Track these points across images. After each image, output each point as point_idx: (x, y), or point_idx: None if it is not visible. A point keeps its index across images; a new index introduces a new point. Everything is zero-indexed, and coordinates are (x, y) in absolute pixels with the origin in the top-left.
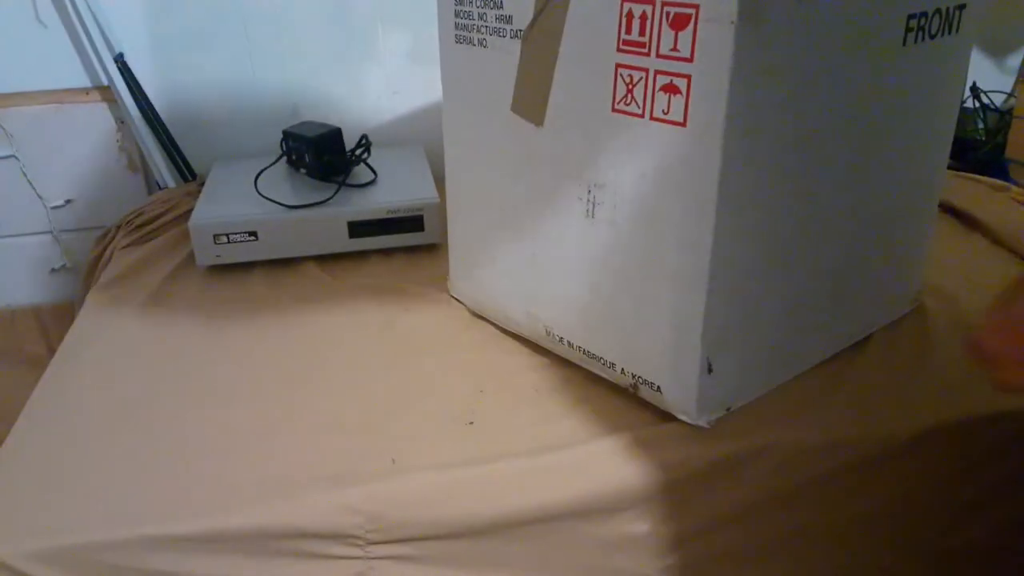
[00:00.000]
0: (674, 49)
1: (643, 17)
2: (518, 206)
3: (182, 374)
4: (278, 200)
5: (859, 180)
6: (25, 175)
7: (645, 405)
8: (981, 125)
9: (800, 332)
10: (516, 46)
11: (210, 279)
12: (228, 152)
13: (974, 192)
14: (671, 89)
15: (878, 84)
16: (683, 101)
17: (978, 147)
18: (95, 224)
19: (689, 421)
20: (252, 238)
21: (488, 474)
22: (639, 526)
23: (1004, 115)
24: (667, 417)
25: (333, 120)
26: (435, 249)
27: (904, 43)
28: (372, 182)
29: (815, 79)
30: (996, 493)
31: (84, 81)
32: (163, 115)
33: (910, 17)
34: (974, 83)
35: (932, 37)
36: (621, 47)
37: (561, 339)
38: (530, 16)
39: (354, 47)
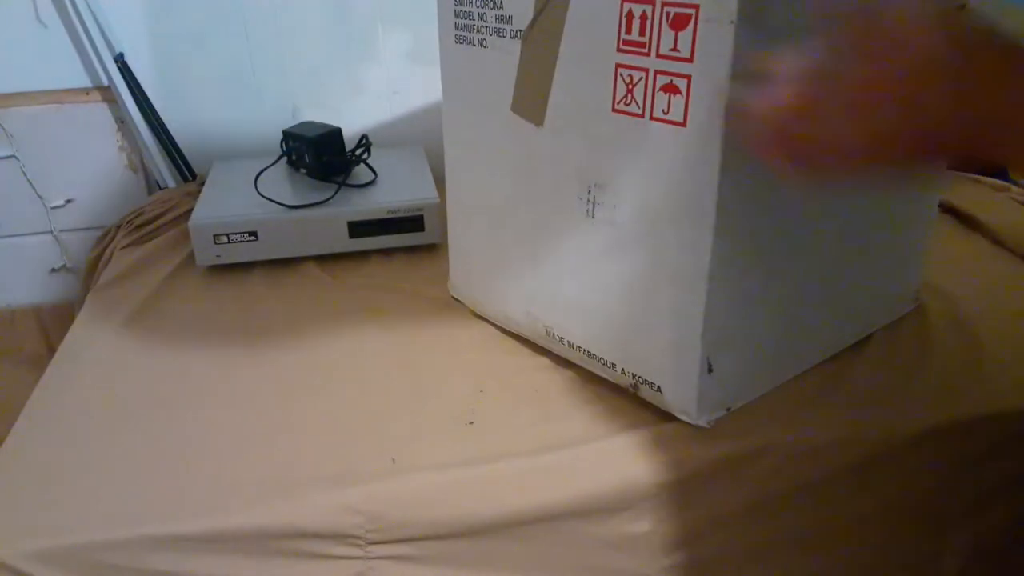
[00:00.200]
0: (674, 49)
1: (643, 17)
2: (518, 206)
3: (182, 374)
4: (278, 200)
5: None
6: (25, 175)
7: (645, 405)
8: None
9: (800, 332)
10: (516, 46)
11: (210, 279)
12: (228, 152)
13: (974, 192)
14: (671, 89)
15: None
16: (683, 101)
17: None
18: (95, 224)
19: (689, 421)
20: (252, 238)
21: (488, 474)
22: (639, 526)
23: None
24: (667, 417)
25: (333, 120)
26: (435, 249)
27: None
28: (372, 182)
29: None
30: (996, 493)
31: (84, 81)
32: (163, 115)
33: None
34: None
35: None
36: (621, 47)
37: (561, 339)
38: (530, 16)
39: (354, 47)
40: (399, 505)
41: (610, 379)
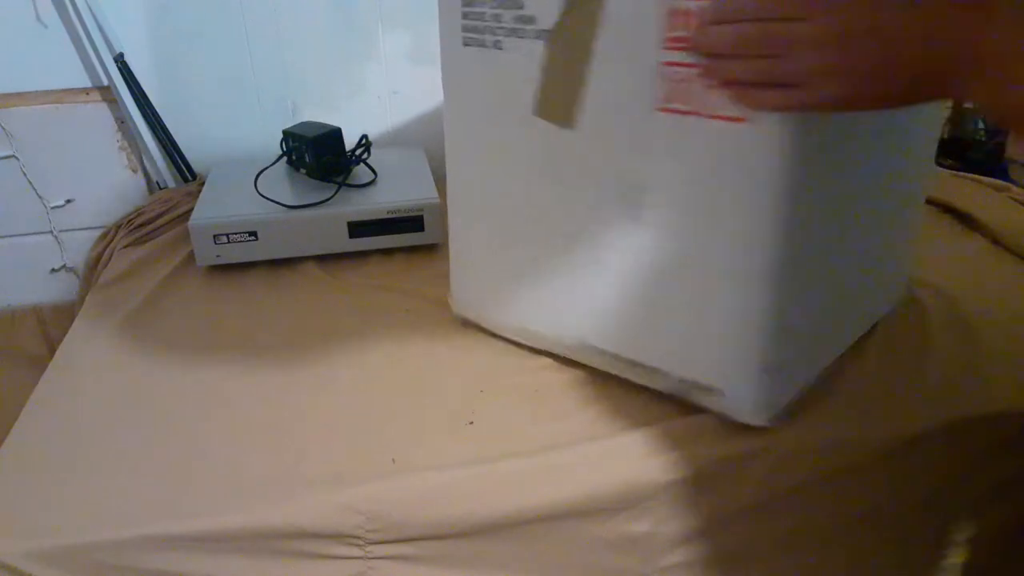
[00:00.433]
0: None
1: (693, 14)
2: (543, 215)
3: (181, 375)
4: (278, 200)
5: (875, 173)
6: (25, 175)
7: (645, 406)
8: (981, 125)
9: (832, 324)
10: (539, 47)
11: (210, 279)
12: (228, 152)
13: (974, 192)
14: (731, 85)
15: None
16: None
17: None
18: (95, 224)
19: (749, 422)
20: (252, 238)
21: (488, 474)
22: (639, 526)
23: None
24: (667, 417)
25: (333, 120)
26: (435, 249)
27: None
28: (372, 182)
29: None
30: (996, 493)
31: (84, 81)
32: (163, 115)
33: None
34: None
35: None
36: (668, 45)
37: (597, 350)
38: (557, 16)
39: (354, 47)
40: (399, 505)
41: (654, 386)
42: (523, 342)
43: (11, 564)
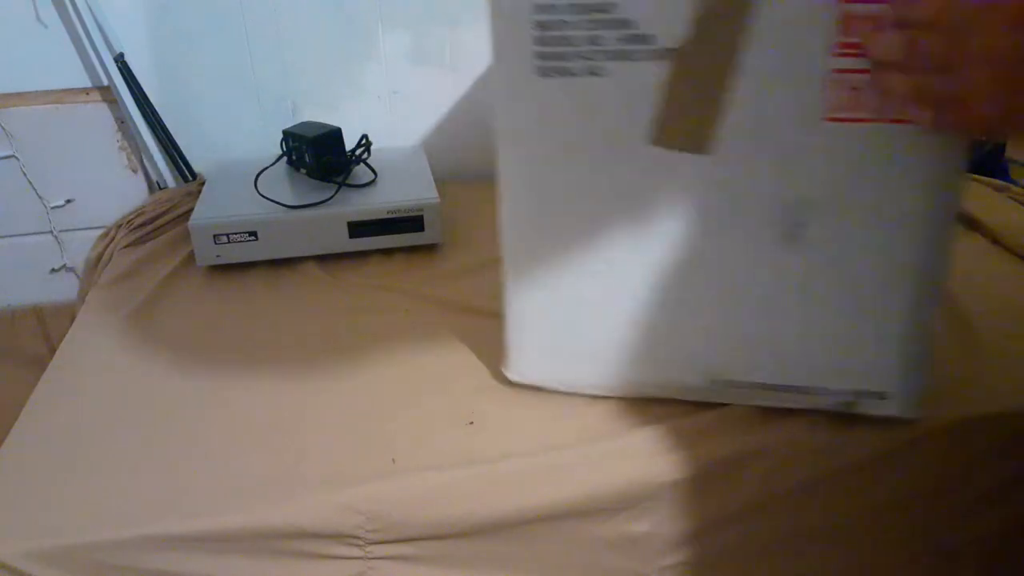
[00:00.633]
0: None
1: (867, 18)
2: (657, 256)
3: (182, 374)
4: (278, 200)
5: None
6: (25, 175)
7: (645, 406)
8: None
9: None
10: (657, 69)
11: (210, 279)
12: (228, 152)
13: (974, 192)
14: None
15: None
16: None
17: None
18: (95, 224)
19: (911, 417)
20: (252, 238)
21: (488, 474)
22: (639, 526)
23: None
24: (666, 417)
25: (333, 120)
26: (435, 249)
27: None
28: (372, 182)
29: None
30: (996, 493)
31: (84, 81)
32: (163, 115)
33: None
34: None
35: None
36: (839, 51)
37: (731, 383)
38: (688, 31)
39: (354, 47)
40: (399, 505)
41: (805, 407)
42: (613, 395)
43: (11, 564)
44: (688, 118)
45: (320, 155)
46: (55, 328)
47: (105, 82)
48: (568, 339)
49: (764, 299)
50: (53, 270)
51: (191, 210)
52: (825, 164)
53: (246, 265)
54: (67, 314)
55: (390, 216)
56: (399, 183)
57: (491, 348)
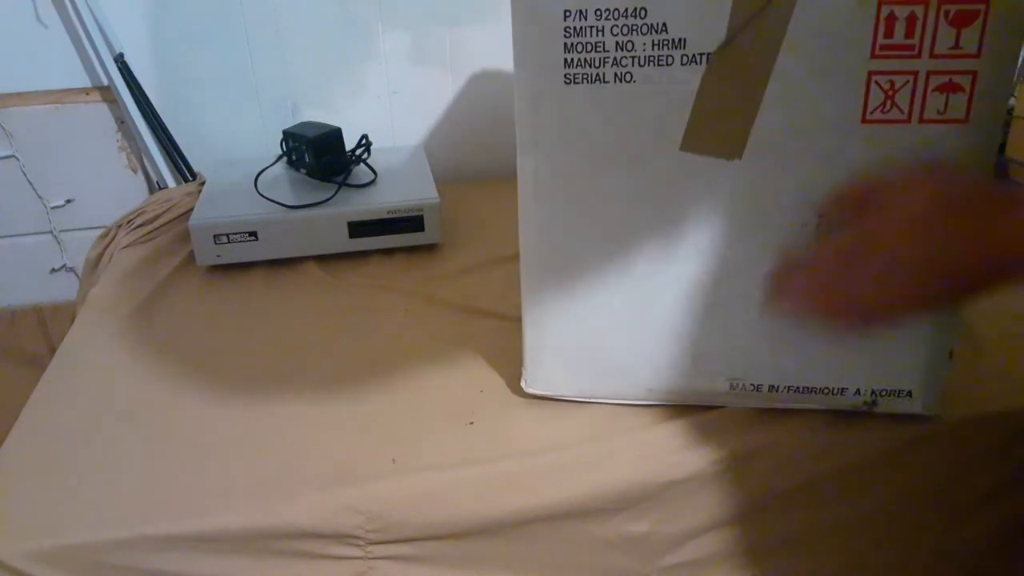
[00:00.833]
0: (955, 47)
1: (911, 19)
2: (685, 262)
3: (182, 374)
4: (278, 200)
5: None
6: (25, 175)
7: (644, 406)
8: None
9: None
10: (690, 74)
11: (210, 279)
12: (228, 152)
13: None
14: (950, 88)
15: None
16: (966, 98)
17: None
18: (95, 224)
19: (931, 413)
20: (252, 238)
21: (488, 474)
22: (638, 526)
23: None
24: (666, 417)
25: (333, 120)
26: (435, 249)
27: None
28: (372, 182)
29: None
30: (996, 493)
31: (84, 81)
32: (163, 115)
33: None
34: None
35: None
36: (878, 53)
37: (755, 387)
38: (721, 36)
39: (354, 47)
40: (399, 505)
41: (827, 407)
42: (632, 403)
43: (11, 564)
44: (720, 123)
45: (320, 155)
46: (55, 328)
47: (105, 82)
48: (590, 350)
49: None
50: (53, 270)
51: (191, 210)
52: (860, 166)
53: (246, 265)
54: (67, 314)
55: (390, 216)
56: (399, 183)
57: (491, 348)
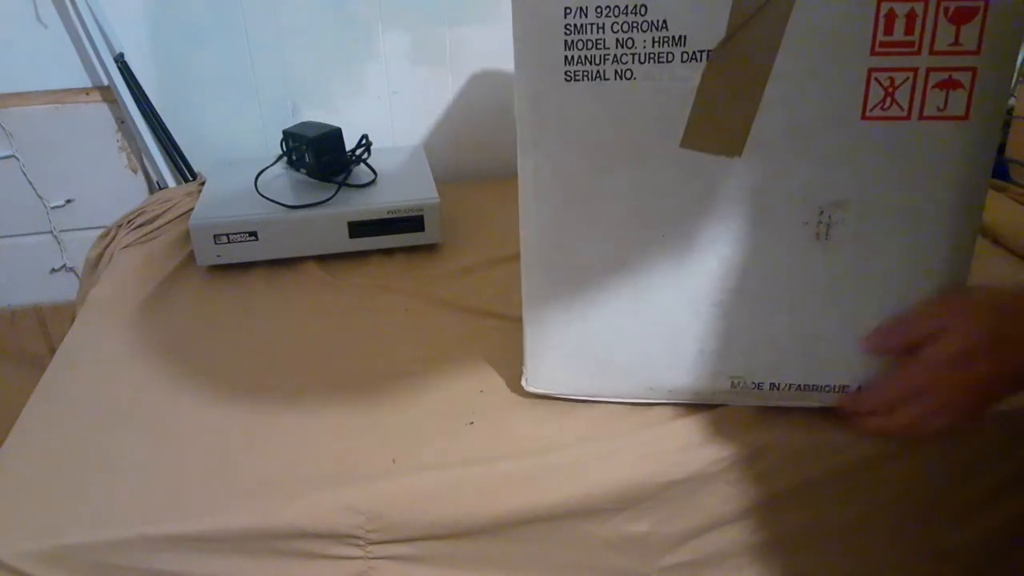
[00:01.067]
0: (955, 44)
1: (911, 16)
2: (687, 260)
3: (182, 374)
4: (278, 200)
5: None
6: (25, 175)
7: (644, 406)
8: None
9: None
10: (690, 71)
11: (210, 279)
12: (228, 152)
13: None
14: (950, 85)
15: None
16: (965, 95)
17: None
18: (95, 224)
19: None
20: (252, 238)
21: (488, 474)
22: (638, 526)
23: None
24: (666, 417)
25: (333, 120)
26: (435, 249)
27: None
28: (372, 182)
29: None
30: (996, 493)
31: (84, 81)
32: (163, 115)
33: None
34: None
35: None
36: (877, 50)
37: (756, 385)
38: (721, 33)
39: (354, 47)
40: (399, 505)
41: (831, 405)
42: (634, 403)
43: (11, 564)
44: (721, 120)
45: (320, 155)
46: (55, 328)
47: (105, 82)
48: (591, 349)
49: (791, 300)
50: (53, 270)
51: (191, 210)
52: (860, 163)
53: (246, 265)
54: (67, 314)
55: (390, 216)
56: (399, 183)
57: (491, 348)
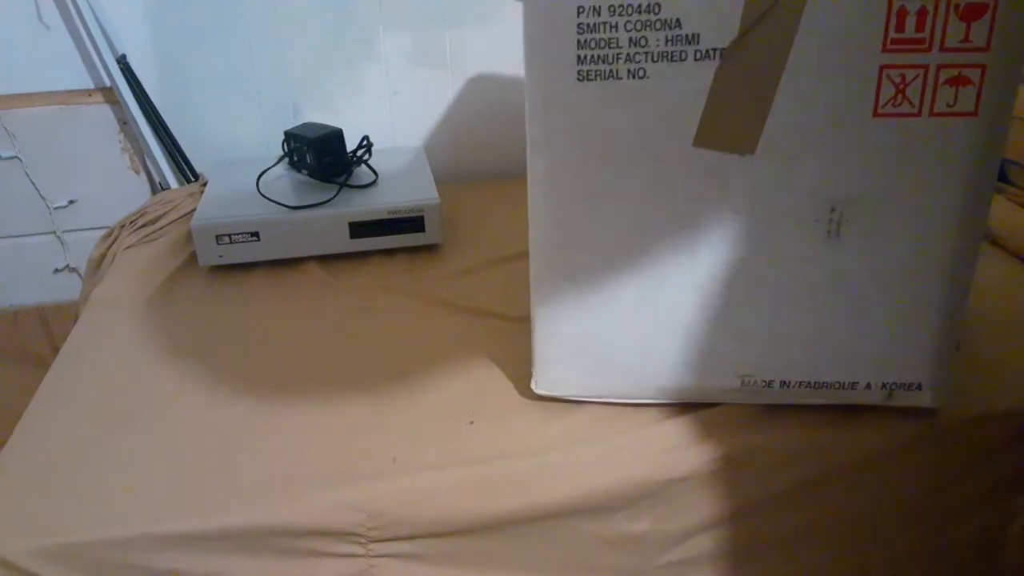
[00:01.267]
0: (965, 40)
1: (921, 13)
2: (699, 258)
3: (184, 374)
4: (280, 201)
5: None
6: (28, 176)
7: (644, 405)
8: None
9: None
10: (703, 70)
11: (212, 279)
12: (230, 153)
13: None
14: (960, 81)
15: None
16: (975, 91)
17: None
18: (98, 225)
19: (944, 406)
20: (254, 239)
21: (488, 473)
22: (638, 525)
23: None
24: (666, 417)
25: (334, 121)
26: (436, 249)
27: None
28: (373, 183)
29: None
30: (996, 492)
31: (87, 82)
32: (165, 116)
33: None
34: None
35: None
36: (889, 47)
37: (766, 383)
38: (734, 32)
39: (355, 48)
40: (400, 503)
41: (840, 402)
42: (645, 403)
43: (14, 562)
44: (733, 118)
45: (321, 156)
46: (58, 328)
47: (107, 83)
48: (602, 350)
49: (802, 297)
50: (56, 270)
51: (193, 211)
52: (871, 160)
53: (248, 265)
54: (70, 314)
55: (391, 216)
56: (400, 184)
57: (492, 348)
